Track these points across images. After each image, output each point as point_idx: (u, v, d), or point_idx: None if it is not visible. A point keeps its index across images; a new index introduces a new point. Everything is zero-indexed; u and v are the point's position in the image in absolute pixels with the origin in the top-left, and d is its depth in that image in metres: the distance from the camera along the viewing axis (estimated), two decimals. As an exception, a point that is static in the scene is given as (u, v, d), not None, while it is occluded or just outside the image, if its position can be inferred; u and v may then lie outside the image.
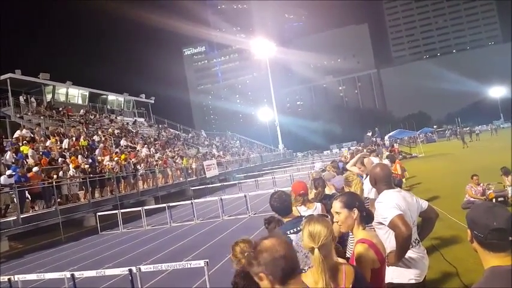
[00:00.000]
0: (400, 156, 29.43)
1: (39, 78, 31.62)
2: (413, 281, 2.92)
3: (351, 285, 2.05)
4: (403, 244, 2.77)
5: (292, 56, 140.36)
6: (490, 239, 1.54)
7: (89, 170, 18.16)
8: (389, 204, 2.90)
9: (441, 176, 16.00)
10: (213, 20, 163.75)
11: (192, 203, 14.84)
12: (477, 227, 1.58)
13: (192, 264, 5.58)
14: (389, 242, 2.87)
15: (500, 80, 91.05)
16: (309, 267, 2.12)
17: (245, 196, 14.32)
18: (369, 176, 3.44)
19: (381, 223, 2.93)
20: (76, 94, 36.10)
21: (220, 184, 25.77)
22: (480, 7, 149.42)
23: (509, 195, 8.99)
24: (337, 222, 2.56)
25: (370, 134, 37.22)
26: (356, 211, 2.52)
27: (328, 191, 5.44)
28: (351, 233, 2.85)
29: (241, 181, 25.37)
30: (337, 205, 2.58)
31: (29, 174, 14.68)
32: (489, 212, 1.59)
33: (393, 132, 39.73)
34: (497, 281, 1.49)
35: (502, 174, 9.46)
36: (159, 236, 12.39)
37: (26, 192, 14.34)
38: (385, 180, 3.17)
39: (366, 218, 2.59)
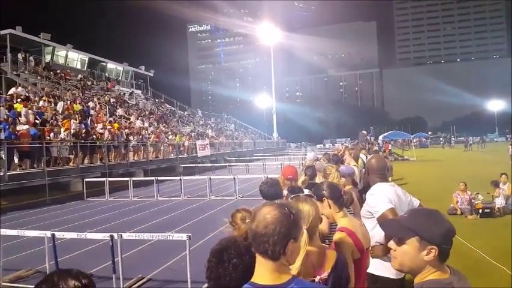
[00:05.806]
0: (392, 158, 29.64)
1: (39, 37, 31.12)
2: (394, 277, 2.92)
3: (330, 269, 2.04)
4: None
5: (297, 43, 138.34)
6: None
7: (83, 135, 17.98)
8: (382, 197, 2.87)
9: (430, 180, 16.12)
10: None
11: (180, 179, 14.86)
12: (448, 240, 1.35)
13: (175, 237, 5.57)
14: (379, 236, 2.80)
15: (499, 93, 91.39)
16: None
17: (234, 178, 14.33)
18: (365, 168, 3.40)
19: (370, 213, 2.91)
20: (75, 58, 35.71)
21: (210, 165, 25.75)
22: (490, 19, 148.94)
23: (496, 206, 9.05)
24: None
25: (365, 132, 37.41)
26: (326, 200, 2.49)
27: (318, 180, 5.45)
28: None
29: (231, 164, 25.33)
30: None
31: (19, 132, 14.51)
32: (443, 218, 1.40)
33: (388, 133, 39.79)
34: None
35: (499, 183, 9.42)
36: (145, 208, 12.39)
37: (15, 149, 14.20)
38: (379, 172, 3.14)
39: (346, 202, 2.54)
